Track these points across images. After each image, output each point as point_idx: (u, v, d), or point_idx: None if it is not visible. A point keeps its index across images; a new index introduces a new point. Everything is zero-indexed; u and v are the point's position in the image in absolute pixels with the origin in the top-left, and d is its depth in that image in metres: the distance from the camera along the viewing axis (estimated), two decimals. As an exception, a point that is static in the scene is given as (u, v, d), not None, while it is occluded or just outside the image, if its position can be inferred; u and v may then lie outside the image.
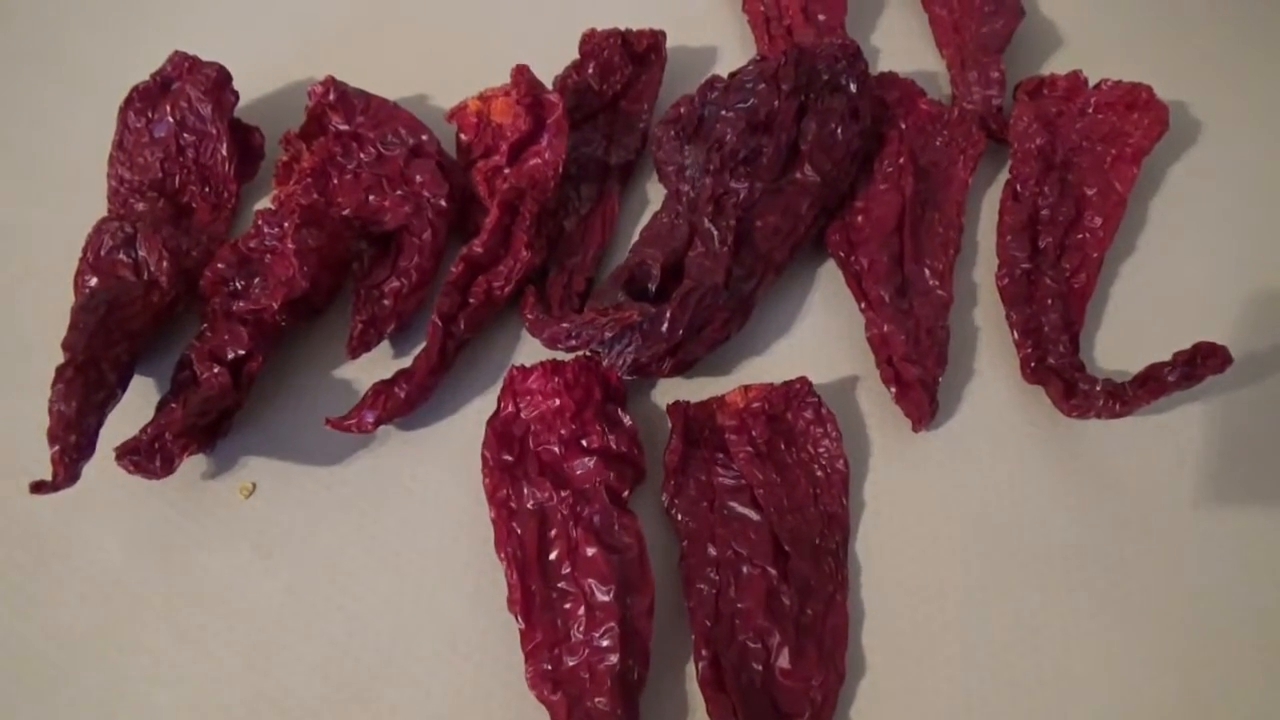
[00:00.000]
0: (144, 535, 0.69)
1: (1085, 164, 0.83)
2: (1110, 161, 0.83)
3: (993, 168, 0.87)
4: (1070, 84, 0.87)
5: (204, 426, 0.69)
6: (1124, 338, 0.77)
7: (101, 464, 0.65)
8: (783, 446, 0.70)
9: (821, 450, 0.70)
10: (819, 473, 0.69)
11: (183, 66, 0.84)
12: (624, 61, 0.89)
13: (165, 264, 0.74)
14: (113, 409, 0.68)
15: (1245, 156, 0.88)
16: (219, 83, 0.83)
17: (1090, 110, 0.86)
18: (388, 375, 0.72)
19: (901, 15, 1.00)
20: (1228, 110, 0.91)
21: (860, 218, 0.81)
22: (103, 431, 0.65)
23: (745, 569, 0.64)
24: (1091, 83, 0.87)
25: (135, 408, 0.70)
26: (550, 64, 0.88)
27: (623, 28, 0.90)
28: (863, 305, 0.77)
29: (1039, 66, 0.95)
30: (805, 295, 0.81)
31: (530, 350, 0.77)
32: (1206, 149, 0.89)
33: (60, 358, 0.65)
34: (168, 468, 0.64)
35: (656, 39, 0.91)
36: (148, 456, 0.64)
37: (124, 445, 0.64)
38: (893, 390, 0.73)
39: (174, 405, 0.66)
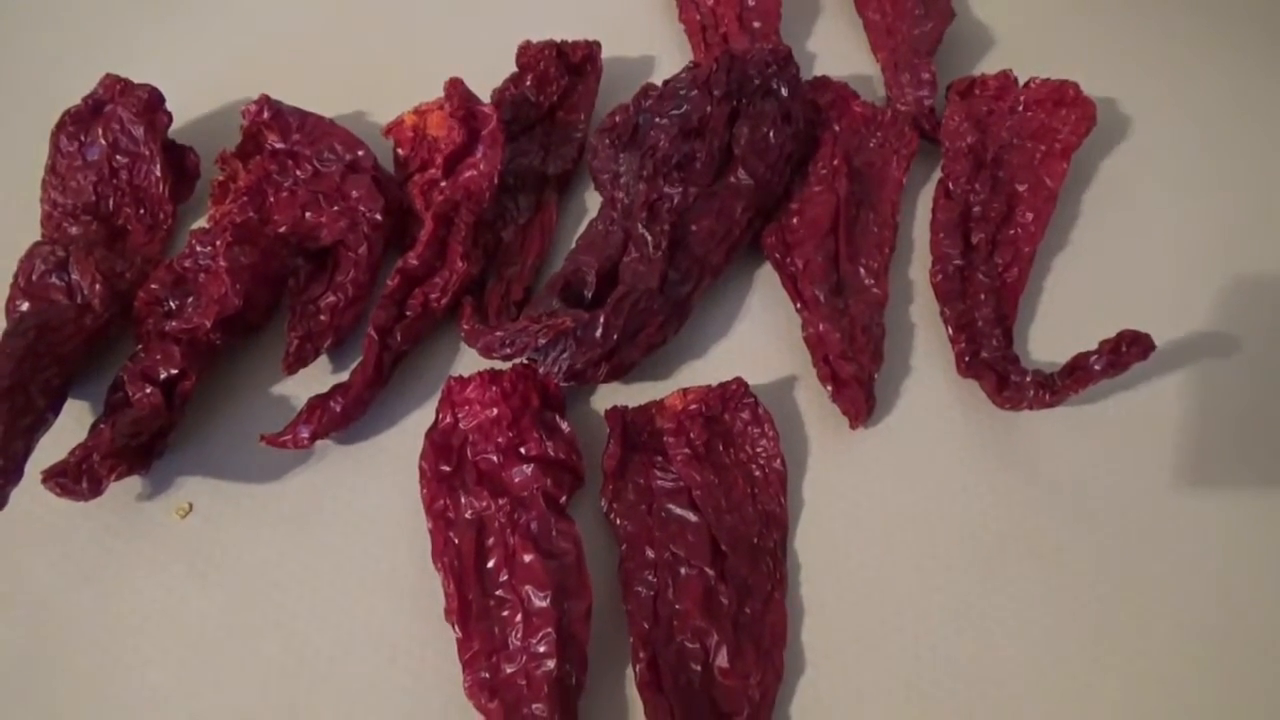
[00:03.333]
0: (77, 560, 0.68)
1: (1016, 161, 0.84)
2: (1040, 158, 0.84)
3: (926, 167, 0.88)
4: (1000, 83, 0.88)
5: (137, 447, 0.68)
6: (1057, 330, 0.78)
7: (32, 489, 0.64)
8: (721, 448, 0.70)
9: (759, 450, 0.70)
10: (757, 472, 0.70)
11: (114, 89, 0.83)
12: (560, 73, 0.89)
13: (98, 286, 0.74)
14: (44, 434, 0.67)
15: (1173, 149, 0.90)
16: (151, 104, 0.83)
17: (1020, 108, 0.87)
18: (325, 391, 0.72)
19: (836, 21, 1.01)
20: (1155, 104, 0.93)
21: (795, 220, 0.81)
22: (36, 456, 0.65)
23: (683, 570, 0.65)
24: (1021, 82, 0.88)
25: (69, 431, 0.70)
26: (488, 77, 0.89)
27: (558, 39, 0.90)
28: (799, 306, 0.77)
29: (970, 67, 0.96)
30: (743, 298, 0.81)
31: (469, 361, 0.77)
32: (1135, 143, 0.91)
33: (-10, 384, 0.64)
34: (95, 489, 0.64)
35: (592, 50, 0.91)
36: (74, 478, 0.63)
37: (50, 468, 0.63)
38: (829, 388, 0.73)
39: (103, 426, 0.65)
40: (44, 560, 0.68)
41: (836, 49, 0.99)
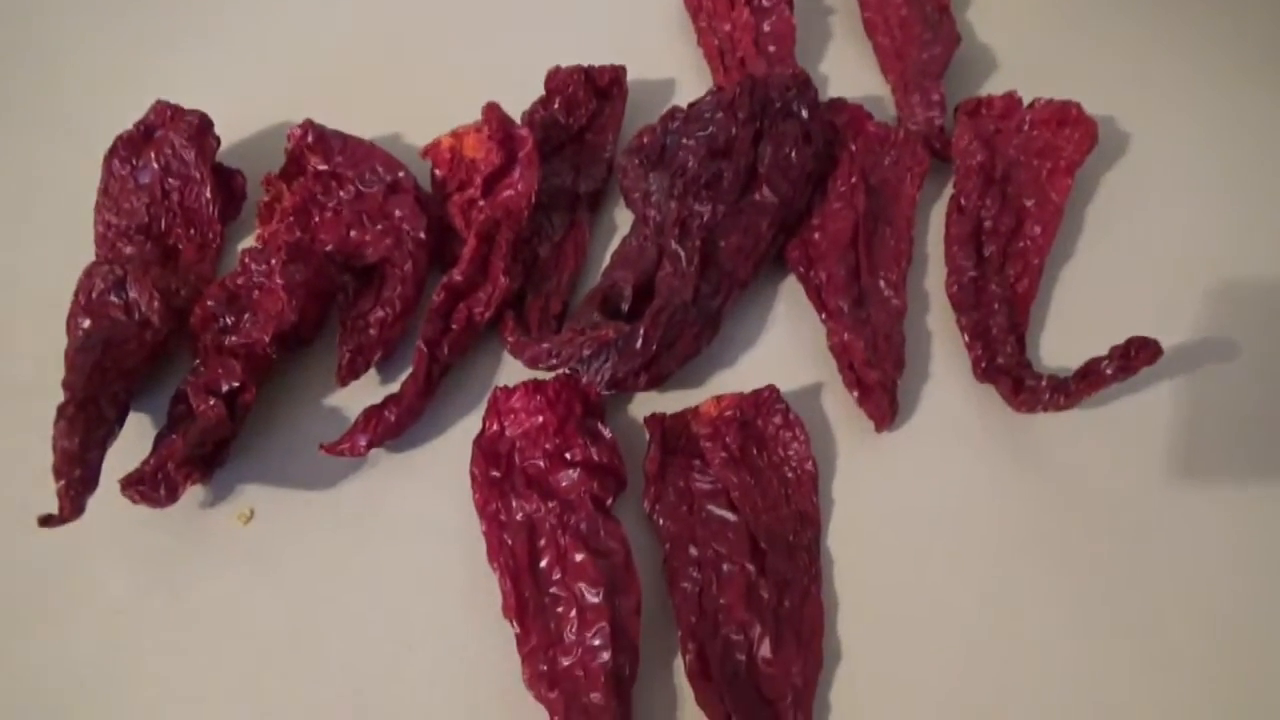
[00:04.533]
0: (147, 565, 0.71)
1: (1023, 177, 0.88)
2: (1046, 174, 0.88)
3: (937, 183, 0.92)
4: (1006, 104, 0.92)
5: (202, 457, 0.72)
6: (1066, 337, 0.82)
7: (104, 497, 0.67)
8: (755, 451, 0.74)
9: (791, 453, 0.74)
10: (789, 474, 0.74)
11: (165, 115, 0.87)
12: (588, 96, 0.93)
13: (156, 304, 0.76)
14: (113, 443, 0.70)
15: (1171, 163, 0.94)
16: (201, 129, 0.86)
17: (1026, 127, 0.91)
18: (376, 401, 0.75)
19: (847, 44, 1.05)
20: (1153, 121, 0.97)
21: (817, 234, 0.85)
22: (103, 466, 0.68)
23: (725, 566, 0.68)
24: (1026, 102, 0.92)
25: (131, 443, 0.73)
26: (517, 101, 0.92)
27: (585, 65, 0.94)
28: (823, 316, 0.81)
29: (976, 88, 1.00)
30: (769, 309, 0.85)
31: (512, 371, 0.80)
32: (1135, 158, 0.95)
33: (57, 398, 0.67)
34: (172, 496, 0.67)
35: (618, 74, 0.95)
36: (152, 486, 0.67)
37: (129, 476, 0.67)
38: (855, 394, 0.77)
39: (174, 437, 0.69)
40: (117, 567, 0.71)
41: (848, 72, 1.03)
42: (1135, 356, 0.70)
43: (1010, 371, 0.77)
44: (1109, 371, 0.71)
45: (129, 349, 0.75)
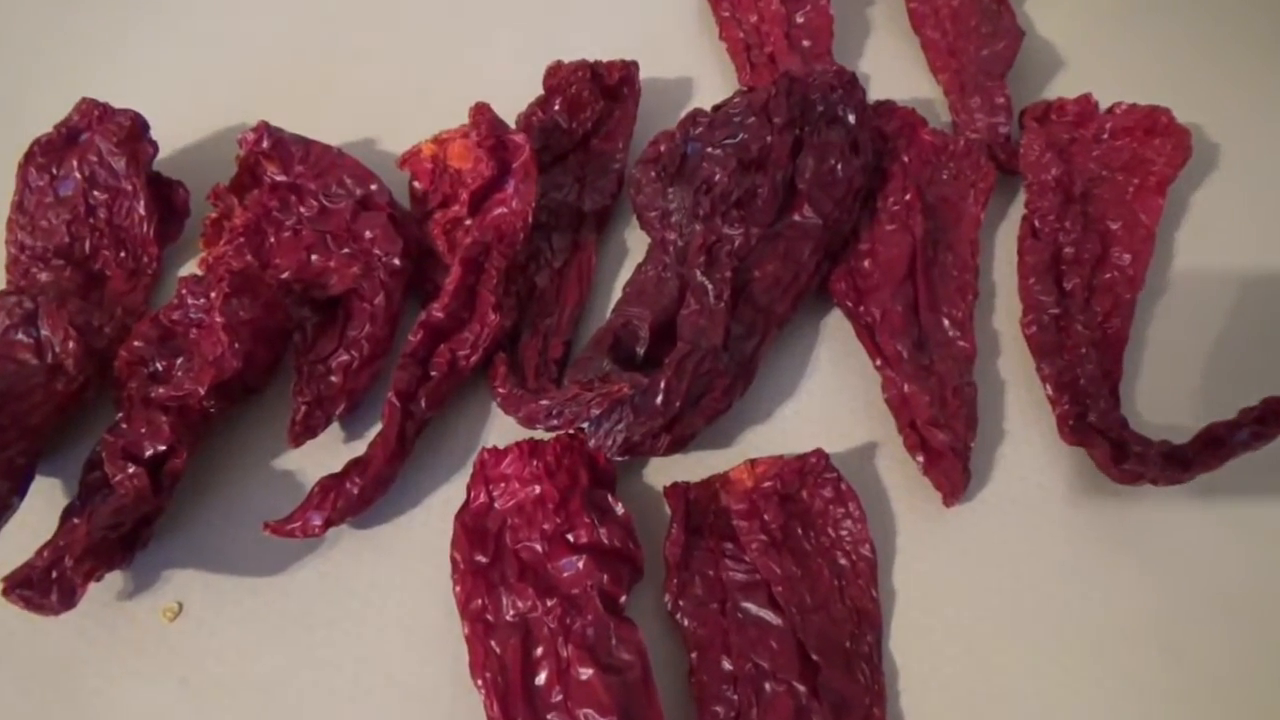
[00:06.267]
0: (46, 672, 0.59)
1: (1106, 195, 0.76)
2: (1133, 192, 0.76)
3: (1001, 202, 0.80)
4: (1081, 108, 0.80)
5: (117, 539, 0.59)
6: (1164, 389, 0.70)
7: (-8, 591, 0.54)
8: (799, 531, 0.61)
9: (843, 533, 0.61)
10: (843, 560, 0.61)
11: (92, 115, 0.75)
12: (594, 96, 0.81)
13: (72, 344, 0.65)
14: (7, 521, 0.59)
15: (1270, 180, 0.82)
16: (134, 132, 0.75)
17: (1106, 136, 0.79)
18: (337, 465, 0.63)
19: (890, 39, 0.93)
20: (1244, 131, 0.85)
21: (867, 262, 0.73)
22: None
23: (768, 686, 0.55)
24: (1102, 106, 0.80)
25: (37, 514, 0.61)
26: (512, 102, 0.80)
27: (590, 60, 0.82)
28: (877, 362, 0.68)
29: (1039, 90, 0.88)
30: (809, 351, 0.73)
31: (503, 428, 0.68)
32: (1228, 174, 0.82)
33: (-60, 464, 0.55)
34: (67, 601, 0.54)
35: (629, 70, 0.83)
36: (42, 589, 0.53)
37: (13, 576, 0.53)
38: (919, 459, 0.64)
39: (76, 520, 0.55)
40: (10, 673, 0.58)
41: (891, 70, 0.91)
42: (1275, 423, 0.57)
43: (1108, 432, 0.64)
44: (1241, 439, 0.58)
45: (33, 401, 0.63)
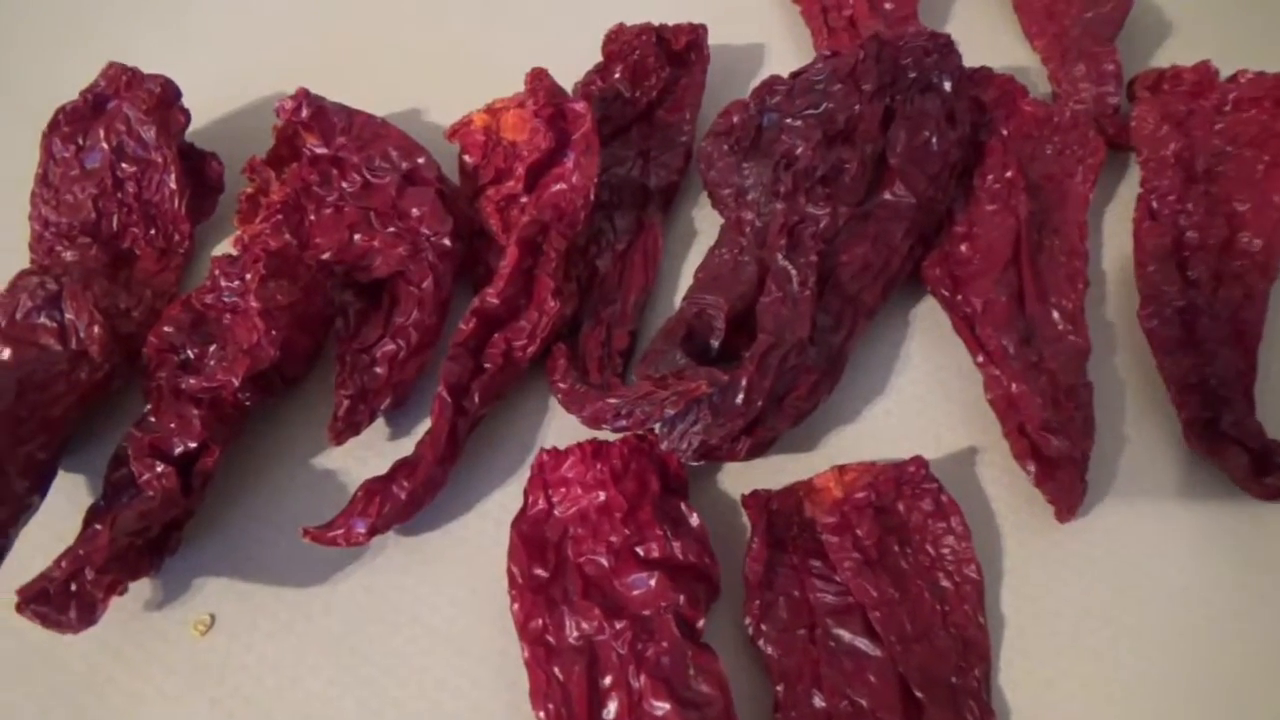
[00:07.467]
0: (66, 691, 0.54)
1: (1232, 173, 0.69)
2: (1263, 170, 0.68)
3: (1110, 180, 0.73)
4: (1199, 77, 0.73)
5: (144, 545, 0.54)
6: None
7: (9, 600, 0.50)
8: (896, 548, 0.55)
9: (945, 551, 0.55)
10: (945, 582, 0.54)
11: (120, 81, 0.71)
12: (659, 62, 0.76)
13: (97, 329, 0.61)
14: (27, 522, 0.54)
15: None
16: (164, 99, 0.71)
17: (1229, 108, 0.71)
18: (382, 465, 0.59)
19: (979, 1, 0.86)
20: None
21: (964, 246, 0.66)
22: (18, 551, 0.53)
23: (866, 726, 0.49)
24: (1223, 75, 0.72)
25: (60, 513, 0.57)
26: (570, 68, 0.76)
27: (655, 23, 0.76)
28: (979, 358, 0.62)
29: (1148, 58, 0.82)
30: (900, 344, 0.66)
31: (563, 427, 0.63)
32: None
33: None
34: (87, 618, 0.49)
35: (697, 34, 0.78)
36: (60, 604, 0.48)
37: (28, 589, 0.48)
38: (1029, 468, 0.58)
39: (99, 527, 0.50)
40: (26, 692, 0.53)
41: (981, 34, 0.85)
42: None
43: (1245, 441, 0.57)
44: None
45: (56, 391, 0.59)
